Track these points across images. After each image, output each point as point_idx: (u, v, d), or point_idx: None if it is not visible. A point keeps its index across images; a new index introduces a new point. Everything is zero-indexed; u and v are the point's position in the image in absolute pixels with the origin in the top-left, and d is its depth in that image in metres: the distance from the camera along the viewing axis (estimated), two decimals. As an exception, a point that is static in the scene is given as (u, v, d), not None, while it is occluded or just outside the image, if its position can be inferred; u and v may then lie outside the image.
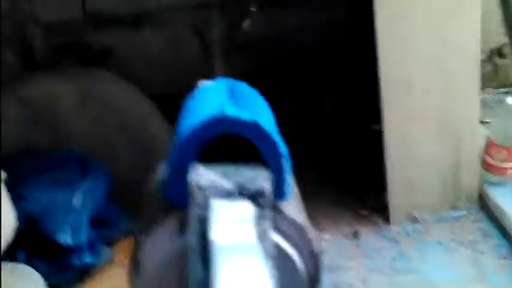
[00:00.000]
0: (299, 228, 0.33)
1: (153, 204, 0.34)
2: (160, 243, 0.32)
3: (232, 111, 0.29)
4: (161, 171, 0.34)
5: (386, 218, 1.66)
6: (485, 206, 1.65)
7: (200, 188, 0.29)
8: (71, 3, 1.92)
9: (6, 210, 1.08)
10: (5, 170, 1.09)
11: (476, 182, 1.65)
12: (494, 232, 1.59)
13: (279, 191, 0.32)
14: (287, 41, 2.14)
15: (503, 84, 2.31)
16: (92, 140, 1.65)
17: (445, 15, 1.45)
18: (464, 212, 1.66)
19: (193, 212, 0.30)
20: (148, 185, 0.36)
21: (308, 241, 0.33)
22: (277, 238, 0.32)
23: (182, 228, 0.31)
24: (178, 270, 0.31)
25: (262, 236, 0.29)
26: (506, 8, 1.67)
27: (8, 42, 1.60)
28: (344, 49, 2.20)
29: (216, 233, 0.27)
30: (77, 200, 1.34)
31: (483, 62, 2.30)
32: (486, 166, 1.64)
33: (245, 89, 0.36)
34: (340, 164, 1.94)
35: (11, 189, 1.27)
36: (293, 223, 0.33)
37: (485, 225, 1.62)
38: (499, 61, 2.29)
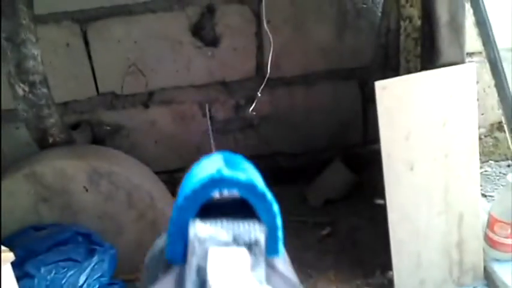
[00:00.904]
0: (292, 284, 0.34)
1: (155, 265, 0.35)
2: None
3: (229, 173, 0.33)
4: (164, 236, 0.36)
5: (391, 295, 1.64)
6: (491, 283, 1.64)
7: (199, 239, 0.32)
8: (85, 85, 2.02)
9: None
10: (12, 248, 1.12)
11: (481, 258, 1.65)
12: (501, 310, 1.57)
13: (272, 248, 0.34)
14: (295, 119, 2.22)
15: (504, 157, 2.35)
16: (100, 216, 1.68)
17: (442, 99, 1.52)
18: (470, 289, 1.64)
19: (192, 262, 0.31)
20: (151, 249, 0.37)
21: None
22: None
23: (181, 282, 0.32)
24: None
25: (256, 284, 0.30)
26: (501, 86, 1.74)
27: (25, 123, 1.68)
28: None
29: (214, 282, 0.29)
30: (83, 279, 1.35)
31: (484, 136, 2.36)
32: (490, 242, 1.64)
33: (240, 159, 0.39)
34: (345, 240, 1.95)
35: (19, 268, 1.30)
36: (286, 279, 0.34)
37: (492, 302, 1.60)
38: (499, 135, 2.34)
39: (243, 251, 0.31)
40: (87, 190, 1.66)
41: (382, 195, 1.58)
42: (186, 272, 0.31)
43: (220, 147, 1.93)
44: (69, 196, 1.66)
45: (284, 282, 0.33)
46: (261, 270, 0.31)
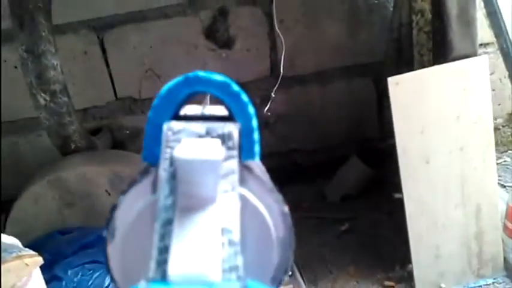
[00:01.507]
0: (268, 188, 0.33)
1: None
2: (133, 201, 0.32)
3: (204, 73, 0.34)
4: None
5: (412, 289, 1.66)
6: (511, 274, 1.64)
7: (172, 131, 0.31)
8: (104, 91, 2.07)
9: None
10: (41, 251, 1.16)
11: (500, 249, 1.65)
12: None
13: (248, 150, 0.33)
14: (310, 116, 2.24)
15: (523, 147, 2.33)
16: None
17: (455, 92, 1.53)
18: (490, 280, 1.64)
19: (166, 152, 0.30)
20: None
21: (278, 201, 0.33)
22: (245, 192, 0.32)
23: (156, 184, 0.31)
24: (148, 225, 0.30)
25: (227, 171, 0.30)
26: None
27: (47, 131, 1.73)
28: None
29: (180, 149, 0.28)
30: (108, 280, 1.39)
31: (502, 126, 2.34)
32: (508, 233, 1.64)
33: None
34: (364, 236, 1.96)
35: (47, 271, 1.34)
36: (262, 182, 0.33)
37: (514, 293, 1.60)
38: (517, 125, 2.33)
39: (217, 141, 0.31)
40: (109, 194, 1.71)
41: (400, 190, 1.59)
42: (160, 163, 0.30)
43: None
44: (92, 200, 1.71)
45: (260, 184, 0.32)
46: (234, 162, 0.31)
